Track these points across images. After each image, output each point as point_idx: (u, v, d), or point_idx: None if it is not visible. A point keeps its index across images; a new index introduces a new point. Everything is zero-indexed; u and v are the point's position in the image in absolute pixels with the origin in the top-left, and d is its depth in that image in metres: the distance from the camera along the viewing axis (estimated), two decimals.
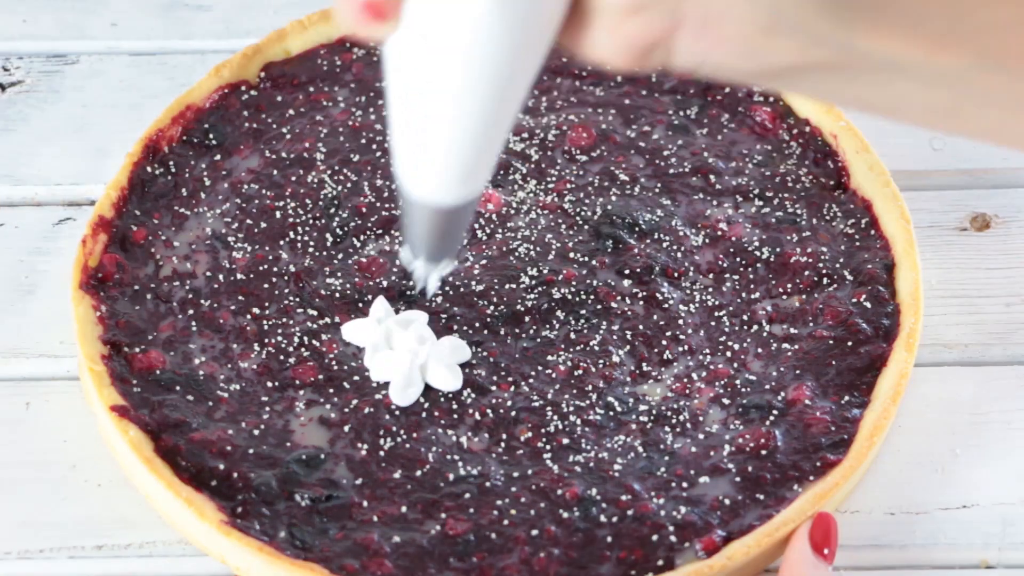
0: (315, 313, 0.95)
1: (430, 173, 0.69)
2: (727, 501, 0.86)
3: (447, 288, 0.96)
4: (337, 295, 0.96)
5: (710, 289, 0.96)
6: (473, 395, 0.91)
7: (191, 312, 0.95)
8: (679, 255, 0.97)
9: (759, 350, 0.93)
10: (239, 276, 0.97)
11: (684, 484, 0.87)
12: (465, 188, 0.70)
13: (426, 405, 0.90)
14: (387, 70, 0.68)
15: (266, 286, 0.96)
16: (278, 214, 1.00)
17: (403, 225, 0.77)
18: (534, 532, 0.84)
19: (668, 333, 0.94)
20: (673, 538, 0.84)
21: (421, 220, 0.73)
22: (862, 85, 0.68)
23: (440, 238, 0.75)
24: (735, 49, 0.66)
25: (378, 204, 1.00)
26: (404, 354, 0.91)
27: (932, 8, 0.66)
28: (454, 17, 0.62)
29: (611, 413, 0.90)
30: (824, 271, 0.96)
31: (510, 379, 0.91)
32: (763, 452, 0.88)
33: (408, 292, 0.95)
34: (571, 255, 0.98)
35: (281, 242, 0.98)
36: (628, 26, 0.65)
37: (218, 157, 1.03)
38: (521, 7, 0.61)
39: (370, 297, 0.95)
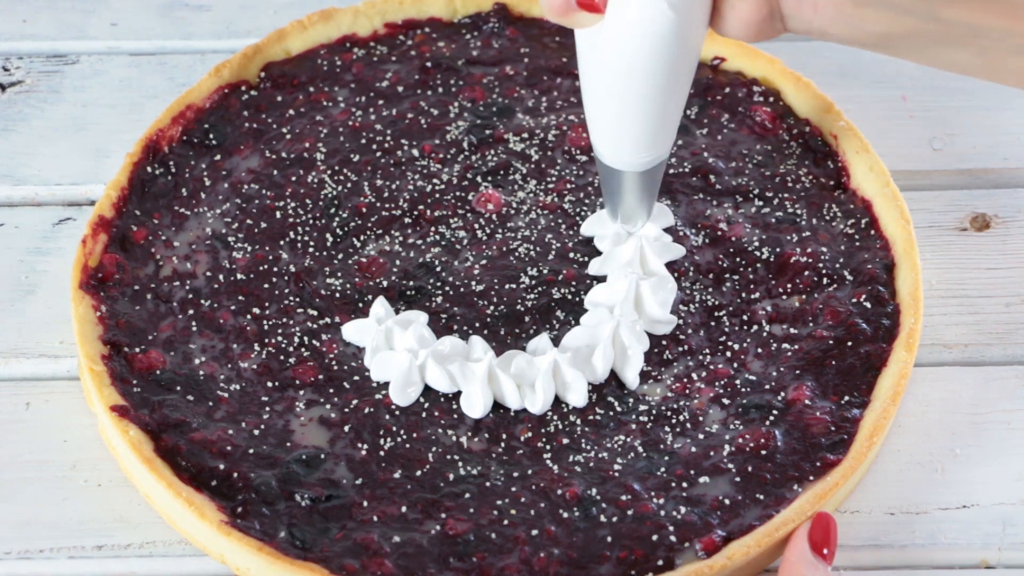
0: (315, 313, 0.95)
1: (626, 143, 0.83)
2: (727, 501, 0.86)
3: (447, 288, 0.96)
4: (337, 295, 0.96)
5: (710, 289, 0.96)
6: None
7: (191, 312, 0.95)
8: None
9: (759, 350, 0.93)
10: (239, 276, 0.97)
11: (684, 484, 0.87)
12: (655, 153, 0.84)
13: (426, 405, 0.90)
14: (583, 55, 0.81)
15: (266, 286, 0.96)
16: (278, 214, 1.00)
17: (603, 191, 0.91)
18: (534, 532, 0.84)
19: (668, 333, 0.94)
20: (673, 538, 0.84)
21: (618, 184, 0.86)
22: (956, 51, 0.75)
23: (636, 197, 0.88)
24: (831, 17, 0.75)
25: (378, 204, 1.00)
26: (404, 354, 0.91)
27: None
28: (646, 12, 0.77)
29: (611, 413, 0.90)
30: (824, 271, 0.96)
31: None
32: (763, 452, 0.88)
33: (408, 292, 0.95)
34: (571, 255, 0.98)
35: (281, 242, 0.98)
36: (742, 7, 0.77)
37: (218, 157, 1.03)
38: (693, 3, 0.77)
39: (370, 297, 0.95)
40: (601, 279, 0.96)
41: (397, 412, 0.90)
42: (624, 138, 0.82)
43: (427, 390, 0.91)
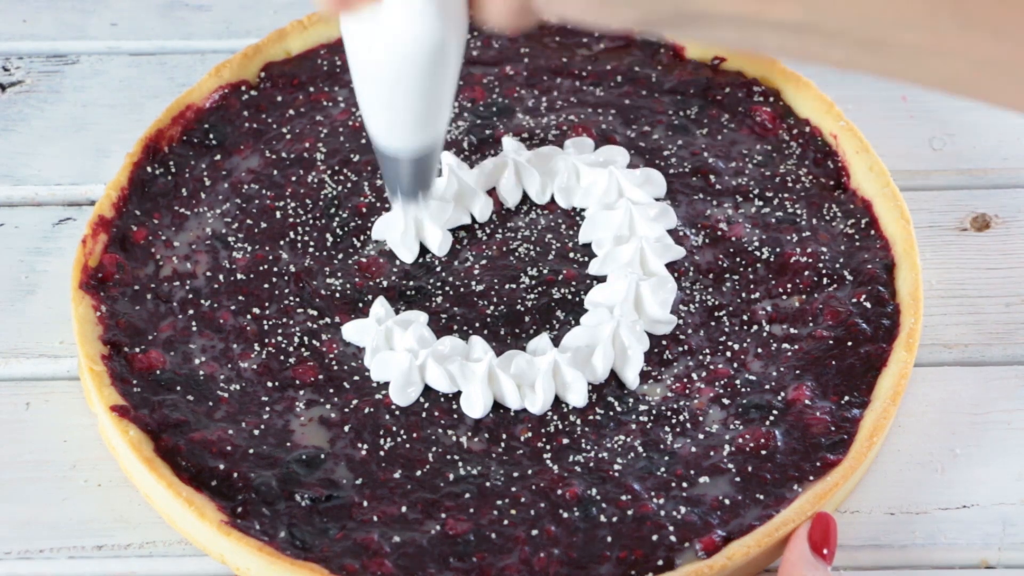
0: (315, 313, 0.95)
1: (394, 128, 0.83)
2: (727, 501, 0.86)
3: (447, 288, 0.96)
4: (337, 295, 0.96)
5: (710, 289, 0.96)
6: None
7: (191, 312, 0.95)
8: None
9: (759, 350, 0.93)
10: (239, 276, 0.97)
11: (684, 484, 0.87)
12: (422, 137, 0.84)
13: (426, 405, 0.90)
14: (348, 47, 0.81)
15: (266, 286, 0.96)
16: (278, 214, 1.00)
17: (382, 173, 0.90)
18: (534, 532, 0.84)
19: (668, 333, 0.94)
20: (673, 538, 0.84)
21: (392, 167, 0.86)
22: (715, 33, 0.73)
23: (411, 179, 0.87)
24: (582, 9, 0.74)
25: (378, 204, 1.00)
26: (404, 354, 0.91)
27: None
28: (402, 9, 0.77)
29: (611, 413, 0.90)
30: (824, 271, 0.96)
31: None
32: (763, 452, 0.88)
33: (408, 292, 0.95)
34: (571, 255, 0.98)
35: (281, 242, 0.98)
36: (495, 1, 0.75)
37: (218, 157, 1.03)
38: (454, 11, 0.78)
39: (370, 297, 0.95)
40: (601, 279, 0.96)
41: (397, 412, 0.90)
42: (396, 126, 0.83)
43: (427, 390, 0.91)
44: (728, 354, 0.93)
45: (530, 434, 0.89)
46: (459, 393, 0.91)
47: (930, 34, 0.68)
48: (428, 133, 0.84)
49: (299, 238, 0.99)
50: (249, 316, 0.94)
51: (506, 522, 0.85)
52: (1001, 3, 0.67)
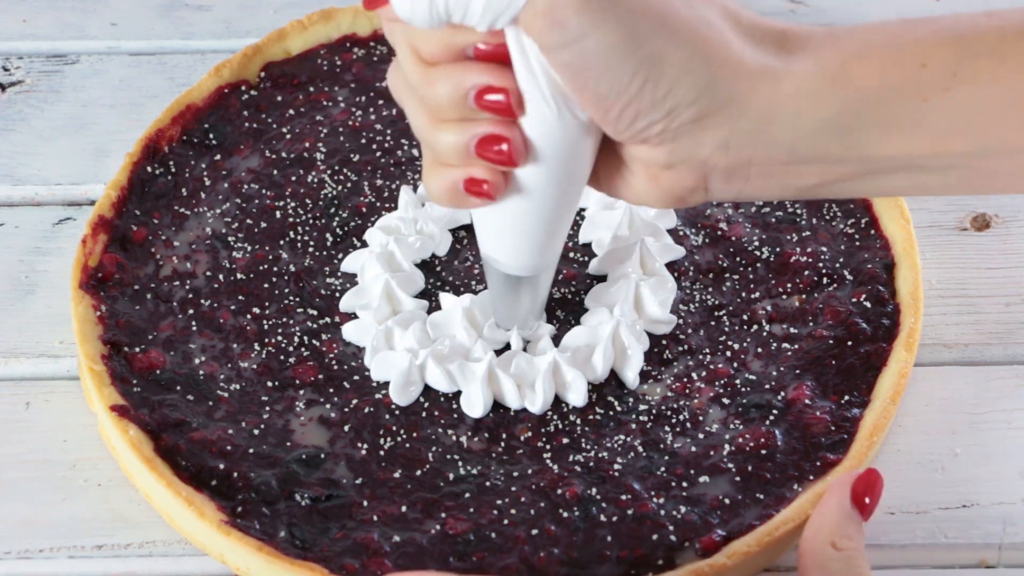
0: (315, 313, 0.95)
1: (514, 251, 0.84)
2: (727, 501, 0.86)
3: (447, 288, 0.96)
4: (337, 295, 0.96)
5: (710, 289, 0.96)
6: None
7: (191, 312, 0.95)
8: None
9: (759, 350, 0.93)
10: (239, 276, 0.97)
11: (684, 484, 0.87)
12: (542, 258, 0.85)
13: (426, 405, 0.90)
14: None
15: (266, 286, 0.96)
16: (278, 214, 1.00)
17: (492, 298, 0.91)
18: (534, 531, 0.84)
19: (668, 333, 0.94)
20: (673, 537, 0.84)
21: (506, 289, 0.88)
22: (889, 182, 0.75)
23: (522, 303, 0.89)
24: (764, 184, 0.75)
25: (378, 204, 1.00)
26: (404, 354, 0.91)
27: (931, 107, 0.72)
28: (535, 165, 0.78)
29: (611, 413, 0.90)
30: (824, 271, 0.96)
31: None
32: (763, 452, 0.88)
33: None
34: (571, 255, 0.98)
35: (281, 242, 0.98)
36: (663, 179, 0.75)
37: (218, 157, 1.03)
38: (571, 164, 0.78)
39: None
40: (601, 279, 0.96)
41: (397, 412, 0.90)
42: (523, 245, 0.84)
43: (427, 390, 0.91)
44: (728, 354, 0.93)
45: (530, 434, 0.89)
46: (459, 393, 0.91)
47: None
48: (548, 258, 0.85)
49: (299, 238, 0.99)
50: (249, 316, 0.95)
51: (506, 522, 0.85)
52: None
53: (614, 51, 0.71)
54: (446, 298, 0.94)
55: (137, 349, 0.92)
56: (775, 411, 0.89)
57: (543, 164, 0.77)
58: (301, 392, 0.91)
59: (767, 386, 0.91)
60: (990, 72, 0.72)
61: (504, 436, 0.89)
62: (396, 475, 0.87)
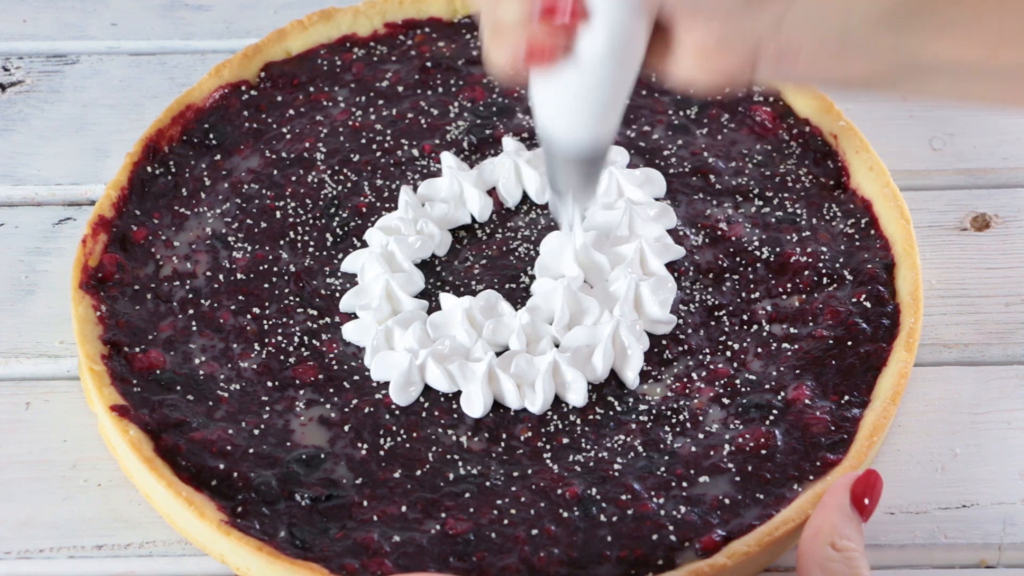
0: (315, 313, 0.95)
1: (571, 125, 0.83)
2: (727, 501, 0.86)
3: (447, 288, 0.96)
4: (337, 295, 0.96)
5: (710, 289, 0.96)
6: None
7: (191, 312, 0.95)
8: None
9: (759, 350, 0.93)
10: (239, 276, 0.97)
11: (684, 484, 0.87)
12: (599, 133, 0.84)
13: (426, 405, 0.90)
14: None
15: (266, 286, 0.96)
16: (278, 214, 1.00)
17: (549, 175, 0.88)
18: (534, 531, 0.84)
19: (668, 333, 0.94)
20: (673, 537, 0.84)
21: (564, 165, 0.85)
22: (933, 84, 0.75)
23: (581, 178, 0.87)
24: (811, 69, 0.75)
25: (378, 204, 1.00)
26: (404, 354, 0.91)
27: (988, 12, 0.72)
28: (592, 34, 0.78)
29: (611, 413, 0.90)
30: (824, 271, 0.96)
31: None
32: (763, 452, 0.88)
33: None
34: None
35: (281, 242, 0.98)
36: (713, 58, 0.75)
37: (218, 157, 1.03)
38: (626, 34, 0.78)
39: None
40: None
41: (397, 412, 0.90)
42: (580, 119, 0.84)
43: (427, 390, 0.91)
44: (728, 354, 0.93)
45: (530, 434, 0.89)
46: (459, 393, 0.91)
47: None
48: (604, 132, 0.84)
49: (299, 238, 0.99)
50: (249, 316, 0.95)
51: (506, 522, 0.85)
52: None
53: None
54: (446, 298, 0.94)
55: (137, 349, 0.92)
56: (775, 411, 0.89)
57: (601, 29, 0.78)
58: (301, 392, 0.91)
59: (767, 386, 0.91)
60: None
61: (504, 436, 0.89)
62: (396, 475, 0.87)
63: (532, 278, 0.96)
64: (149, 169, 1.01)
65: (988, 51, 0.73)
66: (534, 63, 0.78)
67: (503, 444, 0.89)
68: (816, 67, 0.75)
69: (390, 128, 1.04)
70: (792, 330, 0.94)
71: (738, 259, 0.97)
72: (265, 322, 0.94)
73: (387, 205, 1.00)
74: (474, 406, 0.89)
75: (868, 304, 0.94)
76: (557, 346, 0.92)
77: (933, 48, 0.73)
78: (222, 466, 0.87)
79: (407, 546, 0.84)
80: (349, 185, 1.01)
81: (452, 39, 1.10)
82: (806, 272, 0.96)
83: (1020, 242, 1.00)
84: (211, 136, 1.04)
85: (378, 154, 1.03)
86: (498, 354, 0.91)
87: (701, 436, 0.89)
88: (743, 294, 0.96)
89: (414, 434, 0.89)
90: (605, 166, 0.89)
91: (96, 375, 0.90)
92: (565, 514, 0.85)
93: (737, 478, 0.87)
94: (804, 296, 0.95)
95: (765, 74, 0.76)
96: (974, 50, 0.73)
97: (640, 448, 0.88)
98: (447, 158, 1.00)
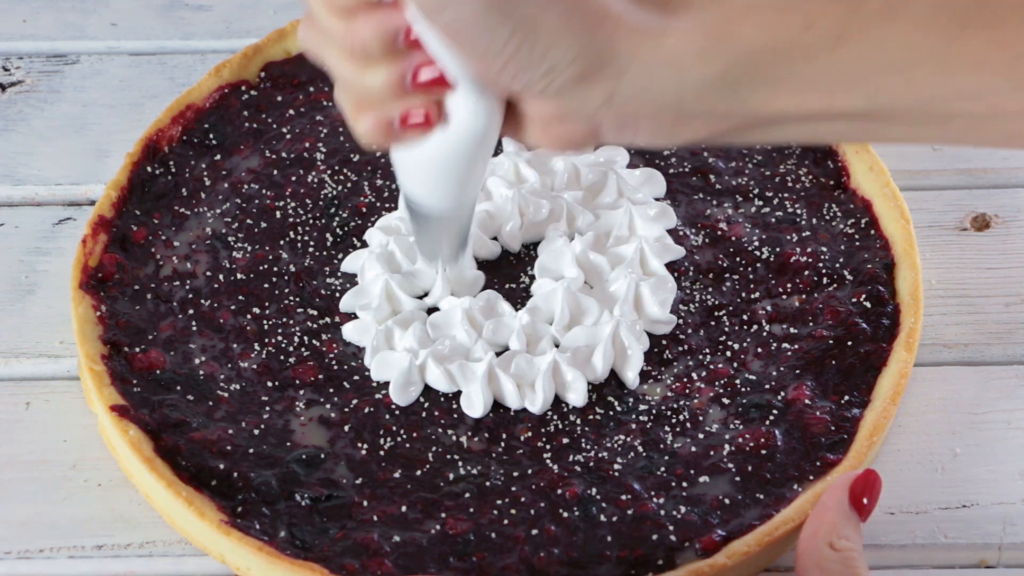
0: (315, 313, 0.95)
1: (436, 192, 0.84)
2: (727, 501, 0.86)
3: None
4: (337, 295, 0.96)
5: (710, 289, 0.96)
6: None
7: (191, 312, 0.95)
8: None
9: (759, 350, 0.93)
10: (239, 276, 0.97)
11: (684, 484, 0.87)
12: (462, 199, 0.85)
13: (426, 405, 0.90)
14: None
15: (266, 286, 0.96)
16: (278, 214, 1.00)
17: (416, 239, 0.91)
18: (534, 532, 0.84)
19: (668, 333, 0.94)
20: (673, 537, 0.84)
21: (431, 228, 0.87)
22: (781, 132, 0.75)
23: (448, 240, 0.89)
24: (654, 135, 0.75)
25: (378, 204, 1.00)
26: (404, 354, 0.91)
27: (817, 69, 0.72)
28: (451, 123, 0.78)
29: (611, 413, 0.90)
30: (824, 271, 0.96)
31: None
32: (763, 452, 0.88)
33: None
34: None
35: (281, 242, 0.99)
36: (555, 130, 0.76)
37: (218, 157, 1.03)
38: (484, 121, 0.78)
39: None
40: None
41: (397, 412, 0.90)
42: (438, 194, 0.85)
43: (427, 390, 0.91)
44: (728, 354, 0.93)
45: (530, 434, 0.89)
46: (459, 393, 0.91)
47: (987, 101, 0.70)
48: (465, 197, 0.85)
49: (299, 238, 0.99)
50: (249, 316, 0.95)
51: (506, 522, 0.85)
52: None
53: (490, 13, 0.71)
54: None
55: (137, 349, 0.92)
56: (775, 411, 0.89)
57: (467, 91, 0.78)
58: (301, 392, 0.91)
59: (767, 386, 0.91)
60: (878, 33, 0.71)
61: (504, 436, 0.89)
62: (396, 475, 0.87)
63: (532, 278, 0.96)
64: (149, 169, 1.01)
65: (826, 101, 0.72)
66: (412, 129, 0.78)
67: (503, 444, 0.89)
68: (659, 133, 0.75)
69: None
70: (792, 330, 0.94)
71: (738, 259, 0.97)
72: (265, 322, 0.94)
73: (387, 205, 1.00)
74: (474, 406, 0.89)
75: (868, 304, 0.94)
76: (557, 346, 0.92)
77: (771, 105, 0.73)
78: (222, 466, 0.87)
79: (407, 546, 0.84)
80: (349, 185, 1.01)
81: None
82: (806, 272, 0.96)
83: (1020, 242, 1.00)
84: (211, 136, 1.04)
85: (378, 154, 1.03)
86: (498, 354, 0.91)
87: (701, 436, 0.89)
88: (743, 294, 0.96)
89: (414, 434, 0.89)
90: (469, 230, 0.90)
91: (96, 375, 0.90)
92: (565, 514, 0.85)
93: (737, 478, 0.87)
94: (804, 296, 0.95)
95: (611, 140, 0.76)
96: (812, 101, 0.73)
97: (640, 448, 0.88)
98: None
